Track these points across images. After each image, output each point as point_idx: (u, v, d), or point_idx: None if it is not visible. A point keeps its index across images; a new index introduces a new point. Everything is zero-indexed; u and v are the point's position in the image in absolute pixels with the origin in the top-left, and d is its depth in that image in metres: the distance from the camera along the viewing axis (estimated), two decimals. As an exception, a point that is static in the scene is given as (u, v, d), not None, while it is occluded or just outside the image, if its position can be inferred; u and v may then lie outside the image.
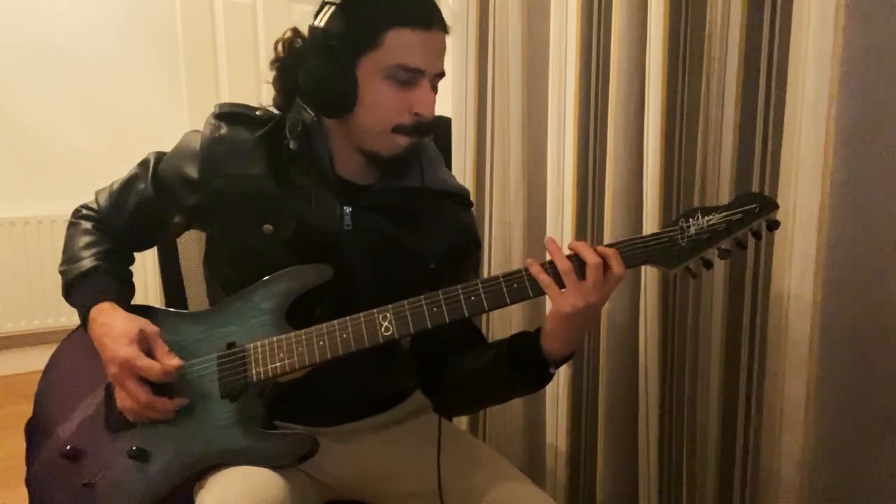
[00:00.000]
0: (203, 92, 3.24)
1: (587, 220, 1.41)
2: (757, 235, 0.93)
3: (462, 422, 1.72)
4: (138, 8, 3.18)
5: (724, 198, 1.15)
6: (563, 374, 1.46)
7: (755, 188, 1.13)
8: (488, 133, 1.58)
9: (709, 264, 0.93)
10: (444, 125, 1.75)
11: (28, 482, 1.08)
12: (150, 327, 1.02)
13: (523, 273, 0.93)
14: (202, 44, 3.27)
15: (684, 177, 1.25)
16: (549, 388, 1.50)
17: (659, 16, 1.18)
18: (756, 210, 0.91)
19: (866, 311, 0.97)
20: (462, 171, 1.64)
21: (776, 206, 0.92)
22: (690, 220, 0.92)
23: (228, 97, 3.22)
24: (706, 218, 0.92)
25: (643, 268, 1.27)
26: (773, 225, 0.93)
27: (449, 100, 1.65)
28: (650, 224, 1.24)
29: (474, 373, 1.07)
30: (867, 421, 0.99)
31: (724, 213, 0.92)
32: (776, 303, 1.05)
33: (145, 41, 3.21)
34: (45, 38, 2.99)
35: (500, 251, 1.59)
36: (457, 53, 1.61)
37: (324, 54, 0.99)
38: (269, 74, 1.09)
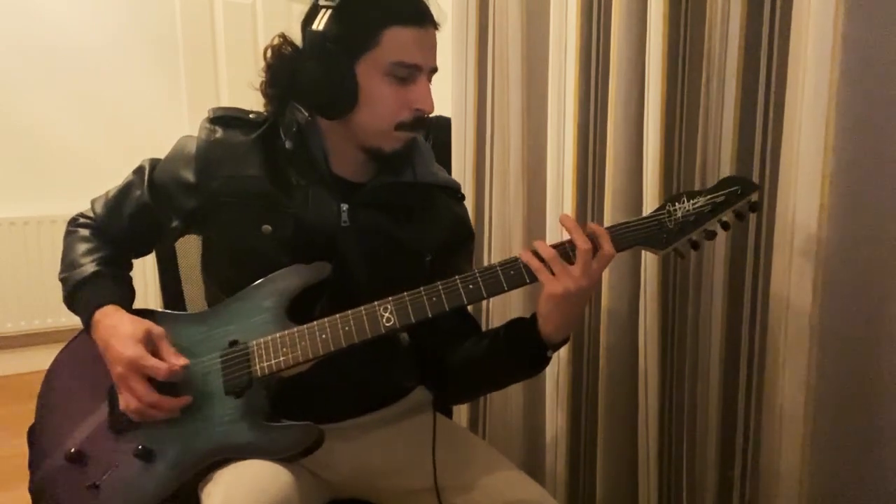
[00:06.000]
0: (203, 92, 3.24)
1: (587, 219, 1.41)
2: (740, 217, 0.97)
3: (462, 420, 1.72)
4: (138, 8, 3.18)
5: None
6: (563, 374, 1.46)
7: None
8: (488, 132, 1.58)
9: (696, 245, 0.97)
10: (443, 125, 1.74)
11: (32, 488, 1.08)
12: (156, 329, 1.03)
13: (518, 260, 0.96)
14: (202, 44, 3.27)
15: (684, 176, 1.25)
16: (549, 388, 1.50)
17: (659, 15, 1.18)
18: (738, 192, 0.95)
19: (865, 312, 0.97)
20: (462, 170, 1.64)
21: (756, 188, 0.96)
22: (677, 203, 0.96)
23: (228, 97, 3.22)
24: (692, 201, 0.96)
25: (643, 268, 1.28)
26: (755, 206, 0.96)
27: (449, 100, 1.65)
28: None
29: (473, 359, 1.10)
30: (867, 420, 0.99)
31: (709, 196, 0.96)
32: (776, 303, 1.05)
33: (145, 41, 3.20)
34: (45, 39, 2.99)
35: (500, 250, 1.59)
36: (457, 53, 1.60)
37: (322, 57, 1.01)
38: (256, 80, 1.09)
